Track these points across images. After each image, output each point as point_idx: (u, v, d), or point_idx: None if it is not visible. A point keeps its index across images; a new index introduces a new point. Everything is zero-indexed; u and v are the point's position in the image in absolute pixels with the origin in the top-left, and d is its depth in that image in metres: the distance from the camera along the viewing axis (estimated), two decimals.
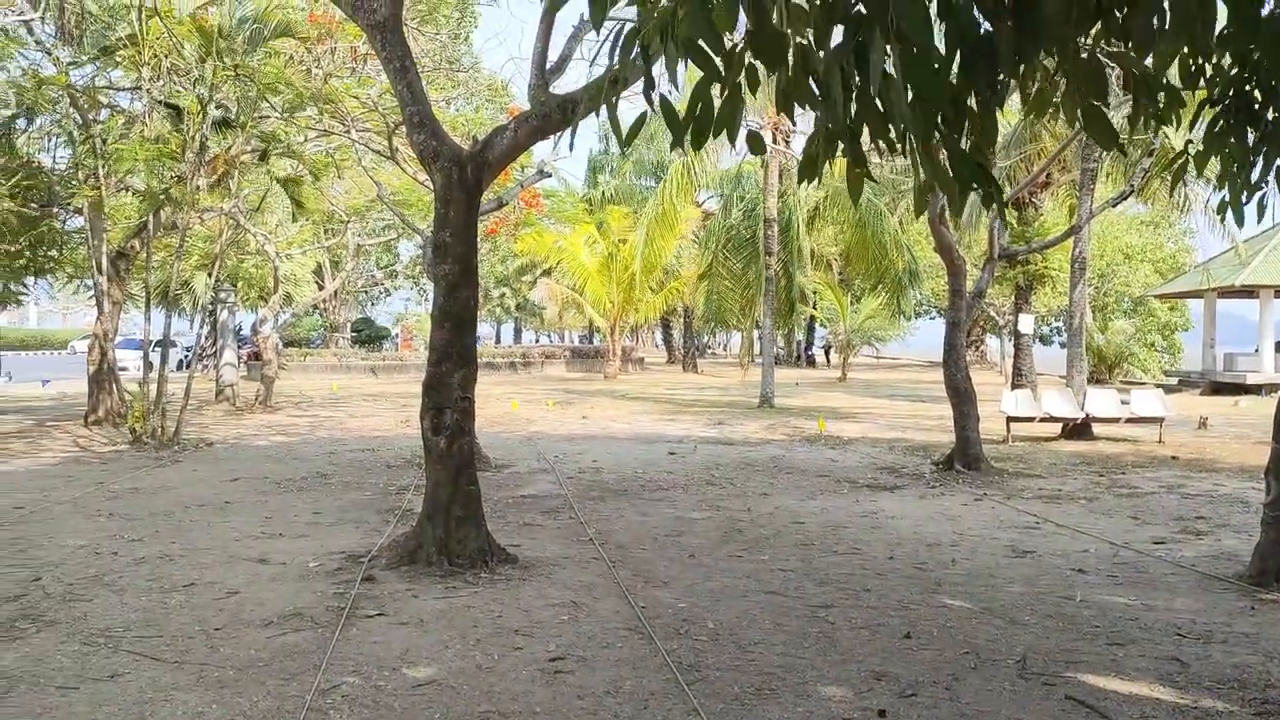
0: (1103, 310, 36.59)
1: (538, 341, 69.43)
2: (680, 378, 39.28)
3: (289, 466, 12.69)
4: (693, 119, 3.06)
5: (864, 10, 2.72)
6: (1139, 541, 8.31)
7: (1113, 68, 3.69)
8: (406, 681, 4.84)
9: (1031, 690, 4.77)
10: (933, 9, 2.84)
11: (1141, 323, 36.88)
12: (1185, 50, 3.27)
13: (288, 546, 7.92)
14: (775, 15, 2.80)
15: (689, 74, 3.05)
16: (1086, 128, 3.07)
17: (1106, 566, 7.42)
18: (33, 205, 16.70)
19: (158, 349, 16.45)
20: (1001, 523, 9.22)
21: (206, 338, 30.24)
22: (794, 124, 3.28)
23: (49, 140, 17.11)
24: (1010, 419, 16.07)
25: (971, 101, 2.92)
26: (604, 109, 3.26)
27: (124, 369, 20.45)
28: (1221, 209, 4.26)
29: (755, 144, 3.55)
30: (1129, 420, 16.33)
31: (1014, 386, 22.21)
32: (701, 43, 2.76)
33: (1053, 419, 16.34)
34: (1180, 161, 4.22)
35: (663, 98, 3.14)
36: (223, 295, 25.24)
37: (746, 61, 2.97)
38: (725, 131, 3.12)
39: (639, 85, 3.20)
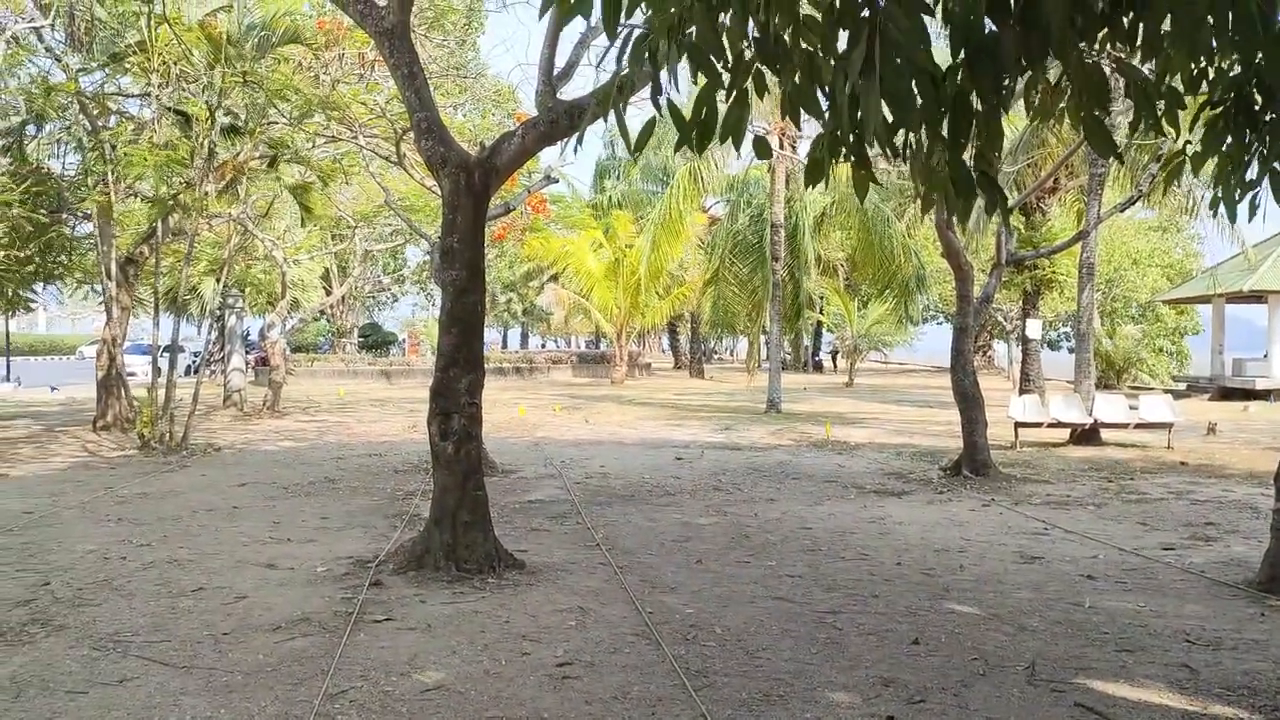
0: (1111, 315, 36.50)
1: (544, 347, 69.49)
2: (687, 383, 39.27)
3: (297, 471, 12.71)
4: (698, 123, 3.07)
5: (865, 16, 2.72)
6: (1148, 547, 8.28)
7: (1116, 76, 3.69)
8: (414, 686, 4.85)
9: (1040, 697, 4.76)
10: (938, 12, 2.84)
11: (1149, 327, 36.78)
12: (1192, 54, 3.26)
13: (295, 551, 7.93)
14: (782, 25, 2.80)
15: (697, 78, 3.05)
16: (1086, 136, 3.07)
17: (1115, 572, 7.39)
18: (42, 211, 16.77)
19: (166, 354, 16.50)
20: (1010, 528, 9.20)
21: (214, 343, 30.30)
22: (799, 129, 3.29)
23: (59, 146, 17.19)
24: (1018, 424, 16.03)
25: (977, 105, 2.92)
26: (612, 114, 3.26)
27: (132, 374, 20.56)
28: (1214, 205, 4.29)
29: (761, 149, 3.55)
30: (1137, 426, 16.27)
31: (1022, 392, 22.18)
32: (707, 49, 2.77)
33: (1061, 424, 16.30)
34: (1177, 161, 4.23)
35: (670, 102, 3.14)
36: (230, 301, 25.31)
37: (754, 68, 2.97)
38: (731, 137, 3.13)
39: (646, 91, 3.22)
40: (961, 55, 2.84)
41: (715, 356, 67.79)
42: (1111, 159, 18.10)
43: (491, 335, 65.79)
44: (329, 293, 35.74)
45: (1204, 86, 3.73)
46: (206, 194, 14.76)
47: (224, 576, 7.06)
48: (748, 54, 2.97)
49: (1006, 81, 2.88)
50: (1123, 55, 3.26)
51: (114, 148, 15.26)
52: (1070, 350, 32.84)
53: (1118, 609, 6.35)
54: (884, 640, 5.65)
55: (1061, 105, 3.28)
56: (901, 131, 2.86)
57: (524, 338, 73.30)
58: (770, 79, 3.04)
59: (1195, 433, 17.64)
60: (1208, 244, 50.14)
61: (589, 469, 13.16)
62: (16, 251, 16.38)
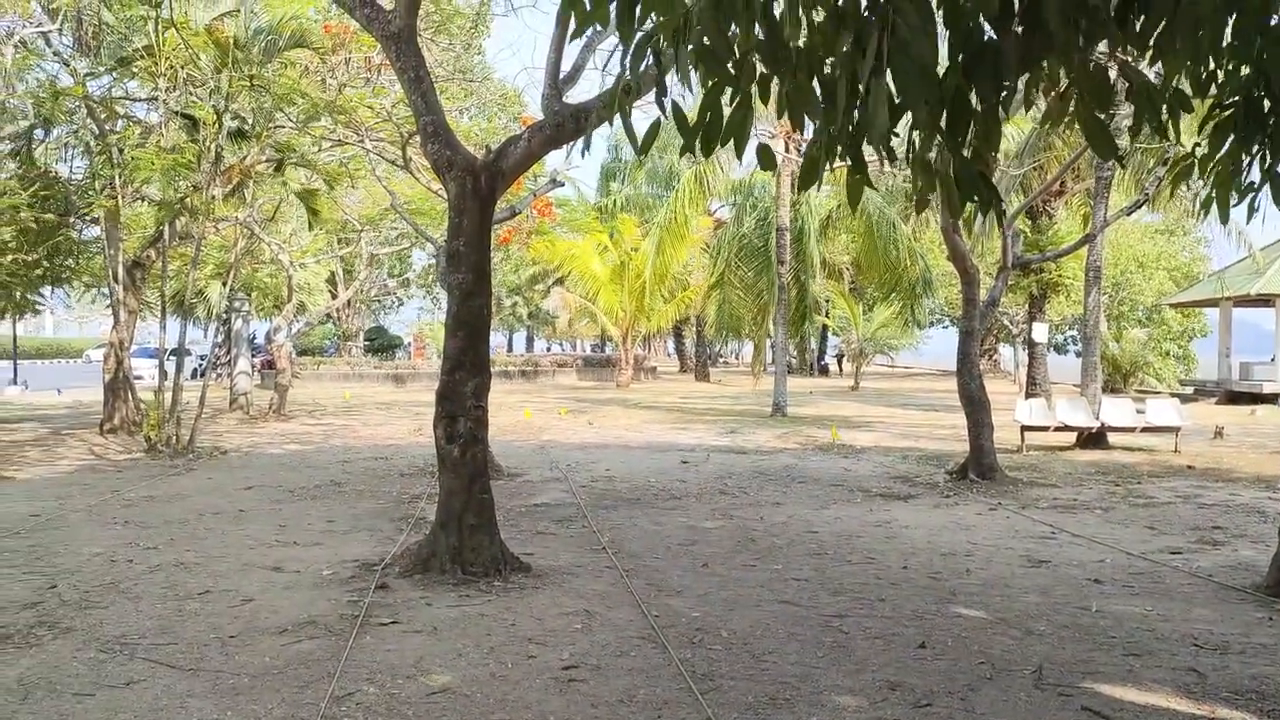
0: (1117, 319, 36.42)
1: (549, 350, 69.56)
2: (692, 386, 39.26)
3: (303, 475, 12.73)
4: (703, 126, 3.06)
5: (870, 15, 2.71)
6: (1155, 552, 8.26)
7: (1118, 78, 3.68)
8: (420, 689, 4.85)
9: (1047, 701, 4.75)
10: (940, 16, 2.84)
11: (1155, 331, 36.69)
12: (1194, 58, 3.26)
13: (302, 554, 7.95)
14: (785, 25, 2.80)
15: (701, 78, 3.05)
16: (1087, 138, 3.07)
17: (1123, 577, 7.37)
18: (50, 215, 16.84)
19: (173, 357, 16.54)
20: (1016, 532, 9.18)
21: (221, 346, 30.39)
22: (800, 132, 3.27)
23: (66, 151, 17.26)
24: (1024, 428, 16.00)
25: (975, 105, 2.92)
26: (618, 118, 3.26)
27: (139, 377, 20.57)
28: (1206, 205, 4.26)
29: (766, 159, 3.53)
30: (1144, 429, 16.23)
31: (1028, 395, 22.13)
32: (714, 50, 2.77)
33: (1067, 428, 16.26)
34: (1185, 164, 4.20)
35: (674, 105, 3.14)
36: (237, 304, 25.37)
37: (758, 71, 2.97)
38: (734, 140, 3.12)
39: (651, 95, 3.22)
40: (960, 57, 2.83)
41: (720, 360, 67.77)
42: (1113, 161, 18.11)
43: (497, 339, 65.87)
44: (335, 296, 35.82)
45: (1213, 89, 3.72)
46: (213, 198, 14.80)
47: (230, 579, 7.07)
48: (751, 57, 2.97)
49: (1006, 83, 2.87)
50: (1129, 59, 3.25)
51: (121, 152, 15.32)
52: (1077, 354, 32.77)
53: (1125, 613, 6.33)
54: (890, 644, 5.64)
55: (1070, 109, 3.27)
56: (898, 132, 2.86)
57: (529, 341, 73.45)
58: (774, 82, 3.04)
59: (1202, 436, 17.59)
60: (1214, 247, 49.87)
61: (595, 472, 13.16)
62: (24, 255, 16.43)
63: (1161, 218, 34.65)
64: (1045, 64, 2.98)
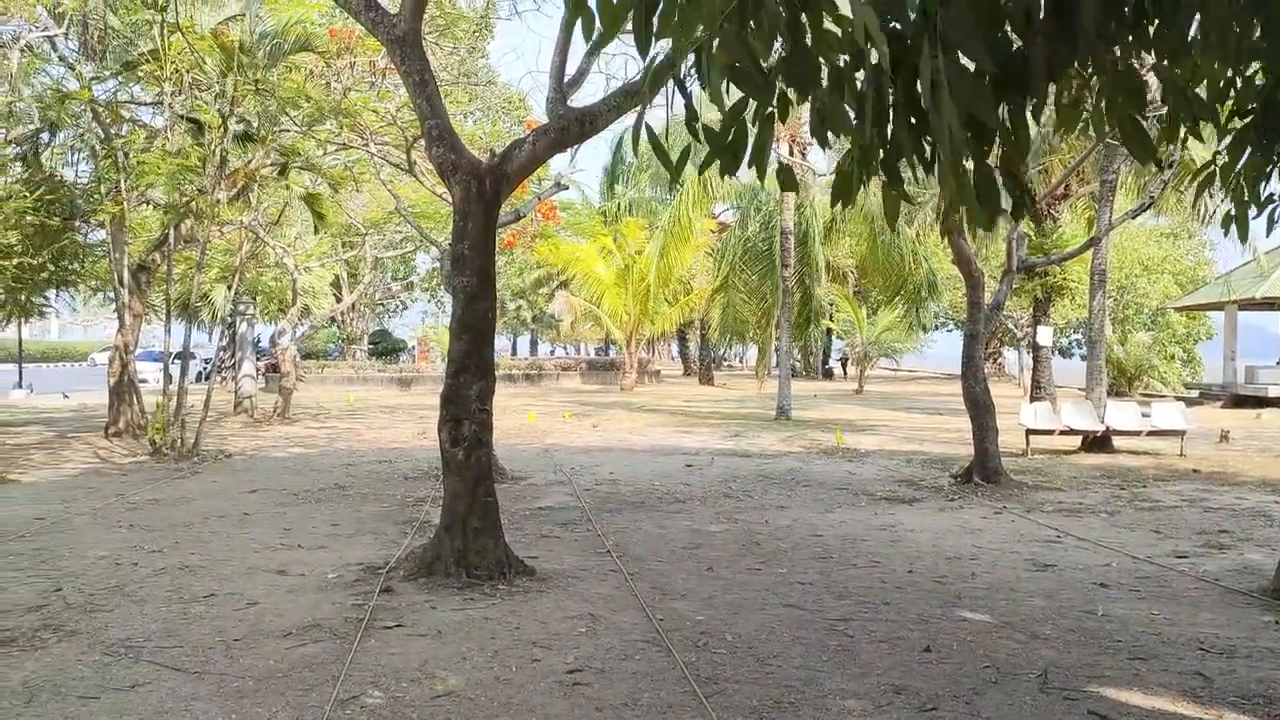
0: (1122, 322, 36.37)
1: (553, 354, 69.56)
2: (696, 390, 39.24)
3: (307, 478, 12.74)
4: (727, 144, 3.03)
5: (918, 21, 2.68)
6: (1161, 555, 8.24)
7: (1147, 80, 3.64)
8: (425, 693, 4.85)
9: (1053, 705, 4.73)
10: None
11: (1160, 334, 36.63)
12: (1225, 59, 3.21)
13: (306, 558, 7.95)
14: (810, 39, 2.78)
15: (712, 99, 3.01)
16: (1124, 142, 3.03)
17: (1128, 580, 7.35)
18: (55, 219, 16.87)
19: (177, 361, 16.57)
20: (1022, 536, 9.16)
21: (225, 350, 30.44)
22: (830, 146, 3.22)
23: (72, 154, 17.30)
24: (1029, 431, 15.98)
25: (1004, 113, 2.89)
26: (637, 135, 3.21)
27: (144, 381, 20.59)
28: (1226, 223, 4.19)
29: (786, 179, 3.49)
30: (1150, 433, 16.20)
31: (1033, 399, 22.09)
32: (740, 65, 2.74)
33: (1072, 432, 16.23)
34: (1206, 173, 4.14)
35: (706, 127, 3.10)
36: (242, 308, 25.41)
37: (779, 88, 2.94)
38: (755, 160, 3.08)
39: (656, 99, 3.20)
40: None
41: (725, 364, 67.74)
42: (1129, 164, 18.07)
43: (501, 342, 65.99)
44: (339, 300, 35.85)
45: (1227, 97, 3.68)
46: (218, 201, 14.83)
47: (235, 583, 7.08)
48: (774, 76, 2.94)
49: (1035, 92, 2.85)
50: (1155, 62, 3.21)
51: (127, 156, 15.35)
52: (1082, 357, 32.73)
53: (1131, 617, 6.31)
54: (895, 648, 5.63)
55: (1086, 113, 3.24)
56: (934, 144, 2.82)
57: (533, 345, 73.49)
58: (793, 96, 3.01)
59: (1208, 440, 17.55)
60: (1220, 250, 49.75)
61: (599, 476, 13.15)
62: (30, 259, 16.47)
63: (1167, 221, 34.58)
64: (1074, 70, 2.95)
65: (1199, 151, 16.21)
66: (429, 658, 5.38)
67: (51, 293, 20.58)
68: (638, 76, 8.42)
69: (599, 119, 7.96)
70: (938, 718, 4.57)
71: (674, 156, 3.23)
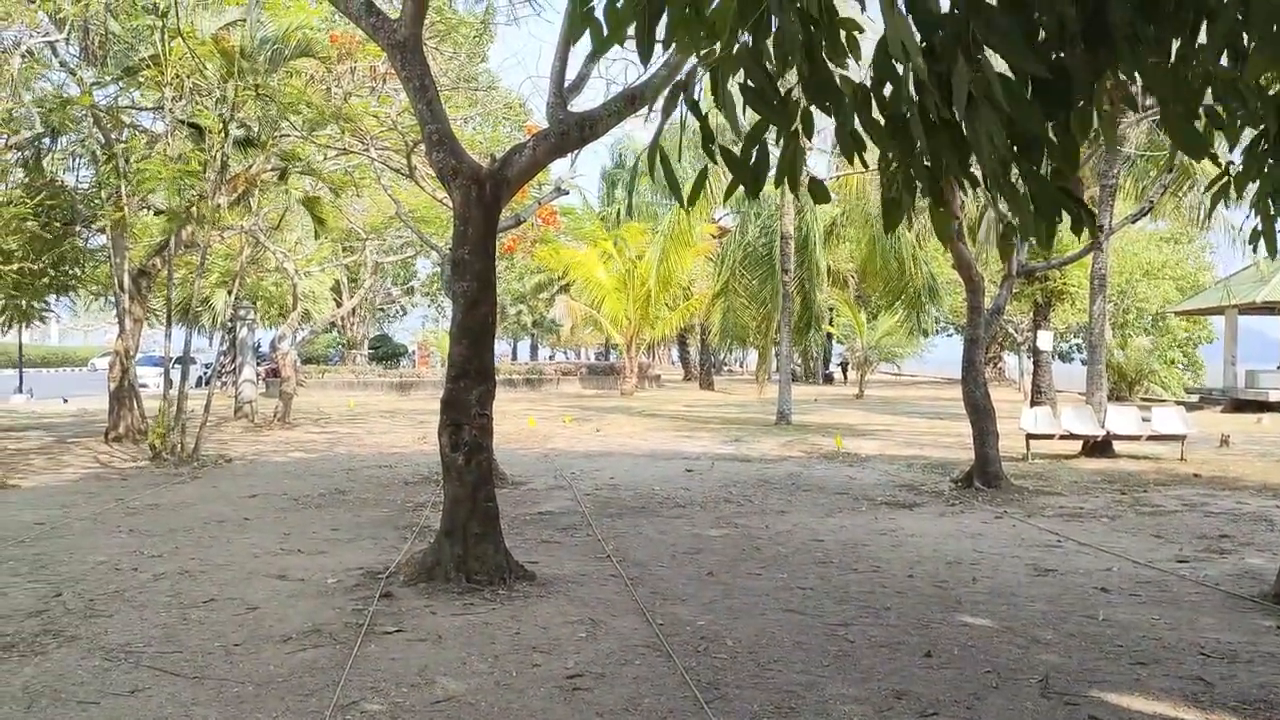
0: (1122, 327, 36.35)
1: (552, 358, 69.56)
2: (697, 395, 39.23)
3: (307, 483, 12.74)
4: (749, 166, 3.00)
5: (950, 31, 2.64)
6: (1162, 560, 8.23)
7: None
8: (425, 698, 4.84)
9: (1054, 710, 4.73)
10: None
11: (1160, 339, 36.60)
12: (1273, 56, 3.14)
13: (306, 563, 7.94)
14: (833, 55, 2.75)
15: (728, 117, 2.99)
16: (1176, 141, 2.96)
17: (1129, 585, 7.35)
18: (56, 224, 16.88)
19: (178, 366, 16.58)
20: (1022, 541, 9.15)
21: (226, 355, 30.43)
22: (859, 163, 3.19)
23: (73, 160, 17.32)
24: (1030, 436, 15.96)
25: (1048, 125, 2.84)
26: (653, 162, 3.18)
27: (144, 386, 20.60)
28: (1254, 239, 4.12)
29: (819, 193, 3.44)
30: (1150, 438, 16.19)
31: (1033, 403, 22.10)
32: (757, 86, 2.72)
33: (1073, 436, 16.23)
34: (1222, 184, 4.07)
35: (724, 149, 3.08)
36: (242, 312, 25.42)
37: (802, 107, 2.92)
38: (788, 179, 3.05)
39: (658, 103, 3.18)
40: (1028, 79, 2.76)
41: (725, 368, 67.71)
42: (1117, 169, 18.05)
43: (501, 347, 65.96)
44: (339, 304, 35.87)
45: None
46: (219, 206, 14.84)
47: (235, 588, 7.07)
48: (795, 94, 2.92)
49: (1078, 101, 2.80)
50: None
51: (128, 161, 15.37)
52: (1082, 362, 32.69)
53: (1132, 621, 6.30)
54: (896, 653, 5.62)
55: (1118, 126, 3.19)
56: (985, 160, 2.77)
57: (533, 349, 73.49)
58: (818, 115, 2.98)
59: (1208, 445, 17.54)
60: (1220, 255, 49.72)
61: (599, 480, 13.15)
62: (30, 264, 16.48)
63: (1167, 226, 34.59)
64: (1114, 75, 2.90)
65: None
66: (429, 663, 5.37)
67: (52, 298, 20.59)
68: (638, 82, 8.44)
69: (599, 124, 7.97)
70: None
71: (682, 172, 3.20)
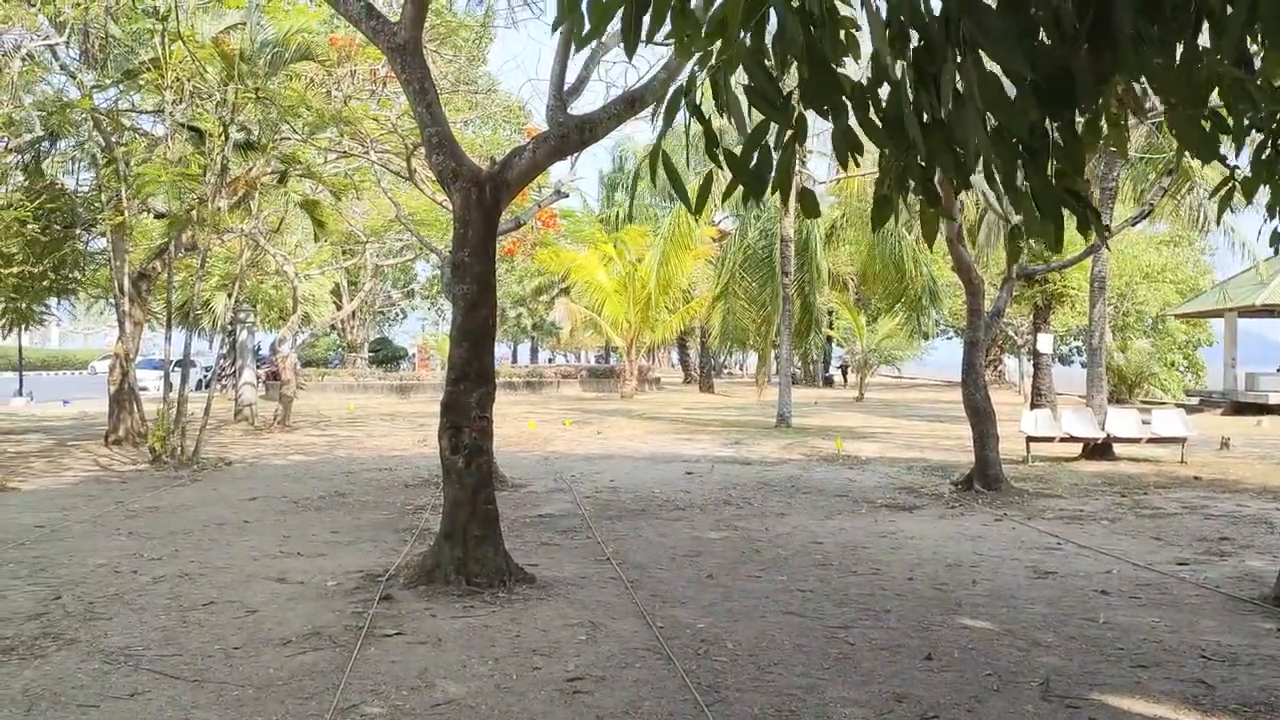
0: (1122, 330, 36.37)
1: (552, 361, 69.57)
2: (697, 397, 39.23)
3: (307, 486, 12.73)
4: (750, 171, 2.99)
5: (941, 31, 2.64)
6: (1162, 563, 8.22)
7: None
8: (425, 701, 4.83)
9: (1055, 713, 4.72)
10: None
11: (1160, 341, 36.62)
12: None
13: (306, 566, 7.94)
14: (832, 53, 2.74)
15: (737, 120, 2.98)
16: (1183, 143, 2.96)
17: (1130, 588, 7.34)
18: (56, 227, 16.89)
19: (178, 369, 16.58)
20: (1022, 543, 9.15)
21: (226, 358, 30.45)
22: (856, 166, 3.18)
23: (73, 163, 17.33)
24: (1030, 439, 15.96)
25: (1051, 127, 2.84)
26: (655, 168, 3.17)
27: (144, 389, 20.60)
28: (1274, 241, 4.12)
29: (809, 205, 3.44)
30: (1150, 440, 16.18)
31: (1033, 406, 22.10)
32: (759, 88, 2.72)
33: (1073, 439, 16.22)
34: (1228, 189, 4.06)
35: (728, 152, 3.07)
36: (242, 315, 25.43)
37: (798, 111, 2.92)
38: (780, 187, 3.04)
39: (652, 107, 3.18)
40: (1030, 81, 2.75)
41: (725, 371, 67.72)
42: (1117, 172, 18.06)
43: (501, 350, 65.94)
44: (339, 307, 35.88)
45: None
46: (219, 209, 14.85)
47: (235, 590, 7.07)
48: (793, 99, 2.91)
49: (1082, 104, 2.80)
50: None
51: (128, 164, 15.37)
52: (1082, 364, 32.70)
53: (1132, 624, 6.30)
54: (896, 655, 5.62)
55: (1129, 135, 3.18)
56: (981, 161, 2.77)
57: (534, 352, 73.50)
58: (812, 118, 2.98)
59: (1208, 447, 17.54)
60: (1219, 257, 49.75)
61: (599, 483, 13.14)
62: (30, 267, 16.49)
63: (1166, 229, 34.61)
64: (1120, 76, 2.90)
65: (1201, 165, 16.21)
66: (429, 666, 5.37)
67: (52, 301, 20.61)
68: (638, 85, 8.45)
69: (599, 127, 7.98)
70: None
71: (685, 177, 3.20)
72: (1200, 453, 16.74)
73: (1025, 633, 6.09)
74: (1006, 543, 9.17)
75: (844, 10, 2.83)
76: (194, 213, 14.99)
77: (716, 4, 2.74)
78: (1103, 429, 16.32)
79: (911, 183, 2.99)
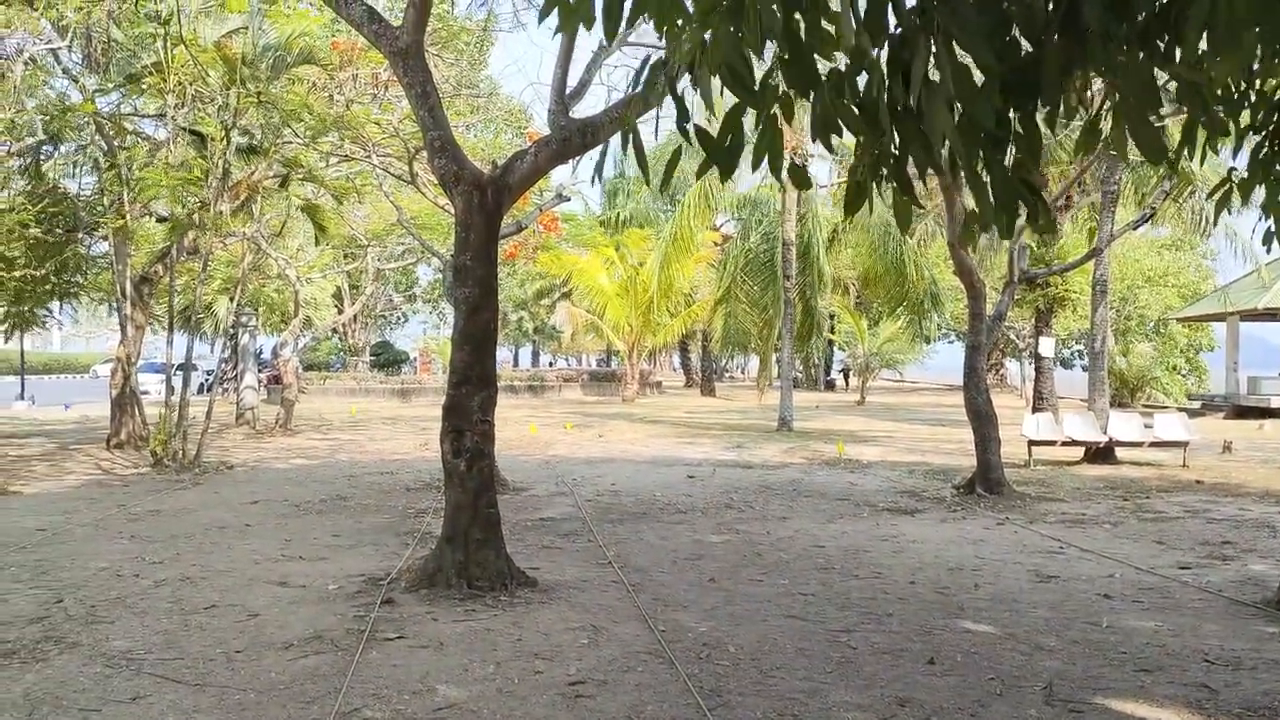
0: (1124, 334, 36.36)
1: (553, 365, 69.60)
2: (698, 401, 39.23)
3: (308, 489, 12.73)
4: (724, 148, 3.02)
5: (915, 20, 2.67)
6: (1164, 566, 8.21)
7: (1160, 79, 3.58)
8: (427, 705, 4.83)
9: (1058, 717, 4.71)
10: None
11: (1162, 345, 36.59)
12: (1241, 60, 3.15)
13: (307, 569, 7.93)
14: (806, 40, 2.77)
15: (707, 100, 3.02)
16: (1134, 141, 3.00)
17: (1132, 592, 7.33)
18: (58, 231, 16.91)
19: (179, 372, 16.58)
20: (1025, 547, 9.13)
21: (227, 361, 30.47)
22: (833, 152, 3.24)
23: (75, 167, 17.35)
24: (1032, 442, 15.95)
25: (1013, 117, 2.87)
26: (626, 137, 3.24)
27: (146, 392, 20.62)
28: (1267, 239, 4.13)
29: (799, 178, 3.48)
30: (1152, 444, 16.17)
31: (1035, 410, 22.08)
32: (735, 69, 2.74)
33: (1075, 443, 16.21)
34: (1225, 190, 4.06)
35: (698, 128, 3.10)
36: (244, 319, 25.43)
37: (780, 90, 2.94)
38: (768, 161, 3.08)
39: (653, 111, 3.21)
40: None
41: (726, 375, 67.72)
42: (1119, 176, 18.07)
43: (503, 354, 65.96)
44: (341, 311, 35.90)
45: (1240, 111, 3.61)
46: (221, 213, 14.86)
47: (236, 594, 7.06)
48: (774, 79, 2.94)
49: (1046, 96, 2.83)
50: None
51: (130, 168, 15.39)
52: (1083, 368, 32.70)
53: (1135, 628, 6.29)
54: (899, 659, 5.61)
55: (1102, 137, 3.20)
56: (948, 150, 2.80)
57: (535, 356, 73.54)
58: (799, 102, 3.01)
59: (1211, 451, 17.52)
60: (1221, 261, 49.73)
61: (600, 487, 13.14)
62: (33, 271, 16.51)
63: (1168, 233, 34.61)
64: (1083, 71, 2.93)
65: (1198, 166, 16.20)
66: (430, 670, 5.36)
67: (54, 304, 20.63)
68: (639, 89, 8.44)
69: (600, 130, 7.98)
70: None
71: (685, 178, 3.24)
72: (1202, 457, 16.72)
73: (1028, 637, 6.08)
74: (1009, 546, 9.16)
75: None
76: (196, 217, 15.00)
77: None
78: (1105, 433, 16.31)
79: (885, 170, 3.01)
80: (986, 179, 2.87)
